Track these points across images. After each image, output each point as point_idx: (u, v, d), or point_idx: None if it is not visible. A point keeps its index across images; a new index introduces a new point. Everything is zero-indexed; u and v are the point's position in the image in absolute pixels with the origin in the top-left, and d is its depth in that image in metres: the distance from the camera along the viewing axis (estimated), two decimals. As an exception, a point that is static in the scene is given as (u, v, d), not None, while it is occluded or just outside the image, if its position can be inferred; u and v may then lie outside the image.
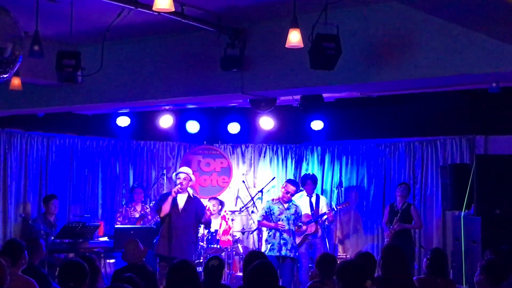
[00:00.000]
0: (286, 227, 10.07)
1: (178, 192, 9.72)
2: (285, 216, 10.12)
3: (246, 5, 6.97)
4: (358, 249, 10.94)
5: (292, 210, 10.22)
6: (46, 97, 9.08)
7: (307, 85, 7.30)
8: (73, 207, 11.39)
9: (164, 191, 11.34)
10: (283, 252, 9.99)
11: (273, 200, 10.43)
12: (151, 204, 11.21)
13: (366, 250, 9.74)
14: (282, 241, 10.01)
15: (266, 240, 10.17)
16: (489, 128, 10.36)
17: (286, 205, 10.21)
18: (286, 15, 6.25)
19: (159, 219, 10.02)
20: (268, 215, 10.18)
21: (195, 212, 9.81)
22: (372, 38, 6.81)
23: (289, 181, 10.44)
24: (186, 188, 9.83)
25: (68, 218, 11.16)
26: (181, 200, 9.78)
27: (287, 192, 10.18)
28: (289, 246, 10.05)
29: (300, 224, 10.34)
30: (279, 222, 10.06)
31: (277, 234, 10.04)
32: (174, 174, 10.30)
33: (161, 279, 8.38)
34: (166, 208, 9.64)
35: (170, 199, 9.65)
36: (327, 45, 6.07)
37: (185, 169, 10.17)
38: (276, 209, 10.18)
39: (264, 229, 10.52)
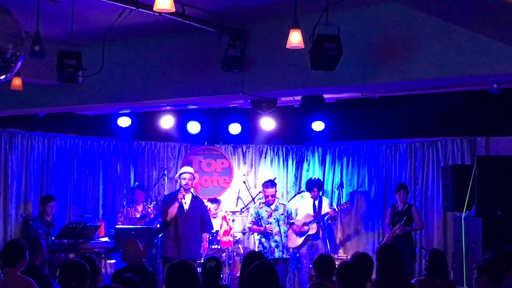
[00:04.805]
0: (276, 230, 10.10)
1: (184, 197, 9.75)
2: (274, 218, 10.18)
3: (247, 6, 6.97)
4: (359, 250, 10.94)
5: (281, 210, 10.28)
6: (47, 97, 9.08)
7: (308, 86, 7.30)
8: (74, 208, 11.37)
9: (166, 192, 11.35)
10: (276, 254, 10.05)
11: (259, 204, 10.47)
12: (151, 205, 11.20)
13: (366, 251, 9.75)
14: (273, 244, 10.08)
15: (260, 243, 10.21)
16: (490, 129, 10.35)
17: (273, 207, 10.25)
18: (287, 16, 6.25)
19: (161, 220, 10.05)
20: (257, 220, 10.24)
21: (200, 212, 9.87)
22: (373, 39, 6.80)
23: (263, 185, 10.45)
24: (190, 188, 9.88)
25: (69, 218, 11.16)
26: (186, 201, 9.86)
27: (267, 196, 10.24)
28: (280, 248, 10.11)
29: (291, 221, 10.36)
30: (267, 226, 10.09)
31: (268, 237, 10.08)
32: (177, 175, 10.32)
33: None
34: (173, 211, 9.70)
35: (176, 204, 9.69)
36: (328, 45, 6.07)
37: (188, 168, 10.21)
38: (264, 213, 10.24)
39: (255, 234, 10.58)
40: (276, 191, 10.42)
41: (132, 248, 7.12)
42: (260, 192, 11.59)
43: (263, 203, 10.38)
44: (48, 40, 7.32)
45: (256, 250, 10.13)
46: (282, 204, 10.45)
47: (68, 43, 7.81)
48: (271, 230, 10.08)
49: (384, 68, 6.75)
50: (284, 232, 10.22)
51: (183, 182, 9.87)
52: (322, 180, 11.45)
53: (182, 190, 9.79)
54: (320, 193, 11.02)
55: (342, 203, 11.32)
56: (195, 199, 9.98)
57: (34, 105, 9.29)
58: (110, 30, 6.99)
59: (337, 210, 10.94)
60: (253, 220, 10.32)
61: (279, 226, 10.13)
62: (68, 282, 4.99)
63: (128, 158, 11.98)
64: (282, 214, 10.26)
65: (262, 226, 10.17)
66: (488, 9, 4.88)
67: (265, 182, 10.56)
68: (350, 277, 5.11)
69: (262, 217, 10.22)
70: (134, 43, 8.31)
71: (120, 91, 8.53)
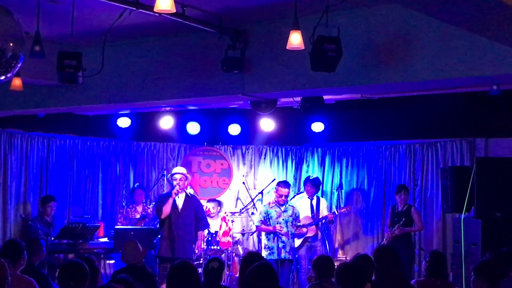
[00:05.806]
0: (284, 230, 10.13)
1: (178, 193, 9.77)
2: (283, 219, 10.19)
3: (247, 7, 6.97)
4: (358, 251, 10.93)
5: (290, 212, 10.29)
6: (47, 97, 9.08)
7: (307, 87, 7.30)
8: (73, 208, 11.38)
9: (165, 192, 11.35)
10: (283, 255, 10.05)
11: (269, 203, 10.48)
12: (151, 205, 11.21)
13: (366, 252, 9.75)
14: (281, 244, 10.08)
15: (265, 245, 10.20)
16: (490, 130, 10.35)
17: (283, 208, 10.27)
18: (287, 17, 6.26)
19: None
20: (266, 219, 10.25)
21: (194, 211, 9.88)
22: (373, 40, 6.81)
23: (279, 184, 10.49)
24: (183, 188, 9.89)
25: (68, 218, 11.16)
26: (180, 200, 9.85)
27: (280, 196, 10.26)
28: (287, 249, 10.13)
29: (298, 224, 10.37)
30: (276, 225, 10.11)
31: (276, 237, 10.08)
32: (169, 175, 10.35)
33: (162, 281, 8.38)
34: (167, 210, 9.70)
35: (170, 200, 9.70)
36: (328, 47, 6.08)
37: (179, 169, 10.23)
38: (274, 212, 10.24)
39: (262, 233, 10.56)
40: (289, 192, 10.45)
41: (131, 249, 7.12)
42: (259, 193, 11.61)
43: (273, 202, 10.38)
44: (48, 40, 7.31)
45: (263, 250, 10.17)
46: (291, 206, 10.46)
47: (68, 44, 7.80)
48: (281, 230, 10.10)
49: (383, 69, 6.75)
50: (291, 234, 10.23)
51: (174, 182, 9.90)
52: (319, 179, 11.39)
53: (177, 187, 9.80)
54: (319, 194, 11.02)
55: (341, 206, 11.32)
56: (189, 198, 9.97)
57: (34, 105, 9.28)
58: (110, 31, 6.99)
59: (336, 213, 10.94)
60: (262, 219, 10.33)
61: (287, 227, 10.16)
62: (68, 283, 4.98)
63: (127, 159, 11.99)
64: (290, 216, 10.28)
65: (271, 225, 10.19)
66: (487, 10, 4.89)
67: (280, 181, 10.63)
68: (349, 278, 5.10)
69: (271, 217, 10.23)
70: (134, 43, 8.31)
71: (120, 92, 8.53)
